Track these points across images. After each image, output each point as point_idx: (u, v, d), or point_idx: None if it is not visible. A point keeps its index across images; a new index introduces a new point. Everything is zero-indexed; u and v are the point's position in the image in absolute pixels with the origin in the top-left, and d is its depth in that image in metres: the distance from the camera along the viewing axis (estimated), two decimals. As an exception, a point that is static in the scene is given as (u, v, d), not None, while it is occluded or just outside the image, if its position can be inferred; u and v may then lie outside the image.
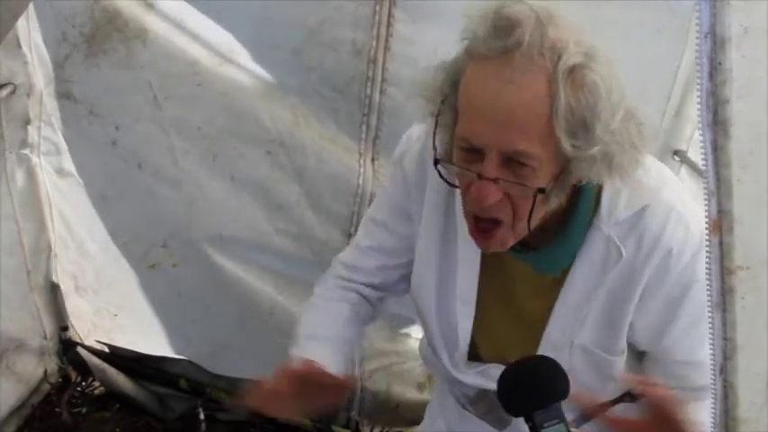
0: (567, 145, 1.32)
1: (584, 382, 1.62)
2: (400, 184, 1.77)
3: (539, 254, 1.60)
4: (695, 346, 1.59)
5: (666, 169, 1.62)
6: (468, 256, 1.69)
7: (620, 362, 1.68)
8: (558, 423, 1.33)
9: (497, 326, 1.75)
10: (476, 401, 1.89)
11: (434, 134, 1.46)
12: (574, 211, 1.53)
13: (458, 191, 1.50)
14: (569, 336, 1.64)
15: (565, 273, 1.61)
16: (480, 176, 1.37)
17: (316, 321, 1.89)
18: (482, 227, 1.47)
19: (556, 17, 1.33)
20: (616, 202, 1.52)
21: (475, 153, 1.38)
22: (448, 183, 1.48)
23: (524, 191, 1.37)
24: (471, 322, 1.75)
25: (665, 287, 1.54)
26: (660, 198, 1.51)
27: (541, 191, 1.36)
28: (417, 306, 1.85)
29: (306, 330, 1.87)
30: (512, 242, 1.49)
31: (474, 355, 1.81)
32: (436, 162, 1.45)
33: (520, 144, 1.33)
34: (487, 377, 1.77)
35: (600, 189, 1.52)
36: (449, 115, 1.44)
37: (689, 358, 1.62)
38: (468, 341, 1.77)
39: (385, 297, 1.97)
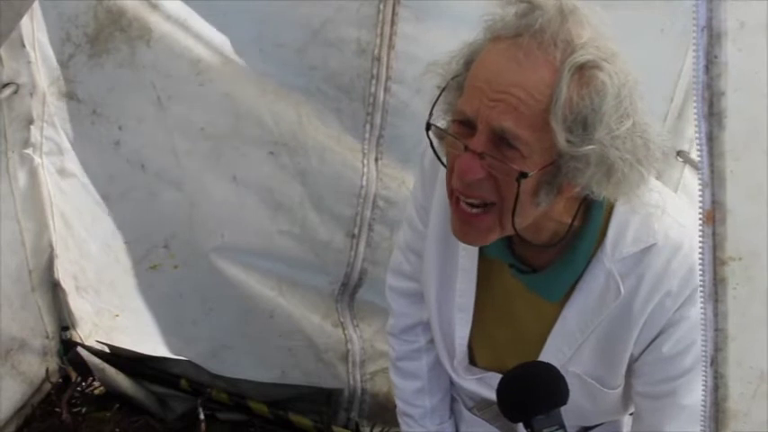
0: (561, 138, 1.30)
1: (578, 406, 1.63)
2: (420, 178, 1.78)
3: (539, 276, 1.59)
4: (659, 378, 1.59)
5: (685, 203, 1.60)
6: (467, 266, 1.69)
7: (615, 394, 1.69)
8: (557, 429, 1.33)
9: (495, 337, 1.76)
10: (482, 407, 1.91)
11: (434, 104, 1.45)
12: (579, 237, 1.51)
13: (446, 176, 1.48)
14: (564, 363, 1.64)
15: (563, 300, 1.60)
16: (467, 148, 1.35)
17: (406, 394, 2.05)
18: (466, 213, 1.43)
19: (582, 14, 1.32)
20: (623, 237, 1.50)
21: (468, 127, 1.37)
22: (437, 156, 1.46)
23: (508, 172, 1.34)
24: (468, 330, 1.75)
25: (659, 324, 1.53)
26: (669, 237, 1.48)
27: (524, 175, 1.32)
28: (425, 302, 1.86)
29: (403, 408, 2.06)
30: (493, 236, 1.45)
31: (473, 362, 1.82)
32: (428, 127, 1.43)
33: (507, 121, 1.30)
34: (485, 385, 1.80)
35: (608, 220, 1.51)
36: (454, 92, 1.44)
37: (649, 389, 1.62)
38: (464, 348, 1.78)
39: None
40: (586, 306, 1.57)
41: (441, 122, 1.46)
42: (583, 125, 1.30)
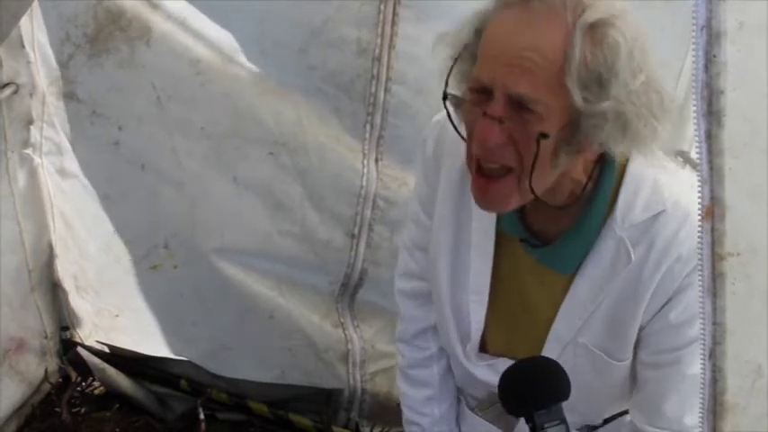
0: (577, 97, 1.31)
1: (586, 382, 1.62)
2: (421, 167, 1.78)
3: (550, 249, 1.60)
4: (665, 348, 1.59)
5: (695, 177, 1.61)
6: (482, 246, 1.69)
7: (623, 368, 1.68)
8: (558, 424, 1.33)
9: (507, 317, 1.75)
10: (485, 407, 1.91)
11: (449, 75, 1.46)
12: (589, 205, 1.52)
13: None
14: (574, 333, 1.64)
15: (575, 273, 1.60)
16: (485, 114, 1.37)
17: (414, 402, 2.02)
18: (485, 181, 1.45)
19: None
20: (632, 204, 1.51)
21: (484, 94, 1.38)
22: (454, 127, 1.47)
23: (528, 134, 1.35)
24: (484, 312, 1.74)
25: (668, 291, 1.53)
26: (679, 203, 1.49)
27: (544, 135, 1.34)
28: (433, 294, 1.85)
29: (410, 417, 2.03)
30: (514, 202, 1.46)
31: (483, 348, 1.81)
32: (445, 96, 1.45)
33: (524, 86, 1.32)
34: (495, 372, 1.77)
35: (618, 187, 1.52)
36: (468, 62, 1.45)
37: (654, 359, 1.62)
38: (480, 331, 1.77)
39: None
40: (598, 275, 1.57)
41: (456, 92, 1.47)
42: (598, 83, 1.32)
